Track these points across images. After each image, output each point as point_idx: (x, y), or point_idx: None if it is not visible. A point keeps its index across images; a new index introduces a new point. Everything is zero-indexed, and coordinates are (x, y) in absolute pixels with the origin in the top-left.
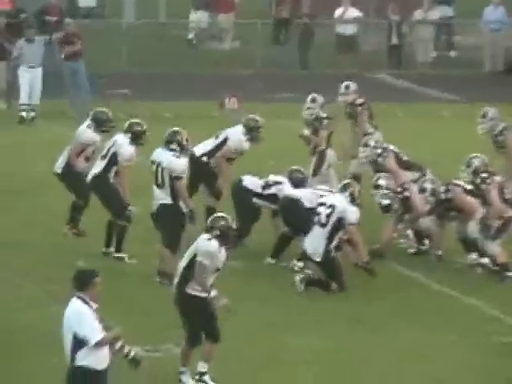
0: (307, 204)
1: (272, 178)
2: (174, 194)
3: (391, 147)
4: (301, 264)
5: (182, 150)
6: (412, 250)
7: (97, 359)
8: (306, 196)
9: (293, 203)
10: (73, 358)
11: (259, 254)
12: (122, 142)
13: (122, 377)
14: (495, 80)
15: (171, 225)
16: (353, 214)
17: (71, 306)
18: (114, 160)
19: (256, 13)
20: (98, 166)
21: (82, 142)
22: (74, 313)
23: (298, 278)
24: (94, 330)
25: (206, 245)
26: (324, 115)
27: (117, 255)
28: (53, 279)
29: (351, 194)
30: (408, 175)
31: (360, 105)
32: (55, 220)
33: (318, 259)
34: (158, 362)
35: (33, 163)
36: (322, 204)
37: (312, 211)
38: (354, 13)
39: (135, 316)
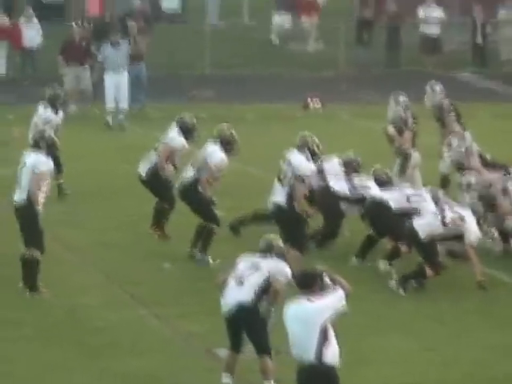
0: (395, 205)
1: (358, 181)
2: (291, 194)
3: (475, 146)
4: (385, 265)
5: (313, 155)
6: (498, 250)
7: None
8: (393, 197)
9: (380, 206)
10: (319, 355)
11: (345, 255)
12: (212, 149)
13: None
14: None
15: (288, 225)
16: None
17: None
18: (205, 167)
19: (339, 14)
20: (189, 174)
21: (173, 148)
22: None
23: (393, 282)
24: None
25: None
26: (409, 116)
27: (200, 257)
28: (137, 281)
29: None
30: (494, 175)
31: (447, 107)
32: (144, 222)
33: (422, 238)
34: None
35: (117, 165)
36: (450, 207)
37: (398, 213)
38: (437, 12)
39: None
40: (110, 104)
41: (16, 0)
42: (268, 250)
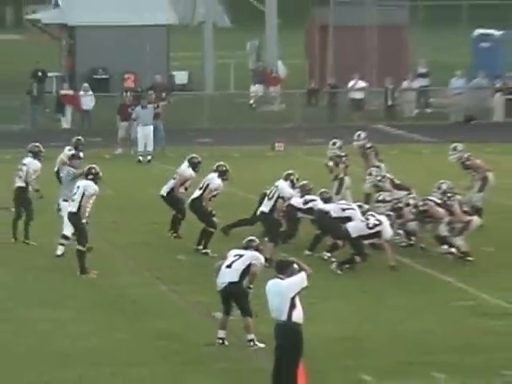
0: (334, 214)
1: (308, 197)
2: (274, 206)
3: (388, 174)
4: (328, 254)
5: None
6: (404, 244)
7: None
8: (333, 209)
9: (324, 215)
10: (289, 316)
11: (301, 248)
12: (212, 177)
13: None
14: (457, 128)
15: (269, 227)
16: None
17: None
18: (207, 189)
19: (295, 85)
20: (196, 193)
21: (185, 177)
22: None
23: (333, 266)
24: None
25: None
26: (342, 154)
27: (204, 251)
28: (160, 267)
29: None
30: (400, 193)
31: (369, 148)
32: (164, 227)
33: (353, 236)
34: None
35: (146, 189)
36: (372, 215)
37: (337, 220)
38: (361, 83)
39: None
40: (140, 148)
41: (76, 77)
42: (248, 246)
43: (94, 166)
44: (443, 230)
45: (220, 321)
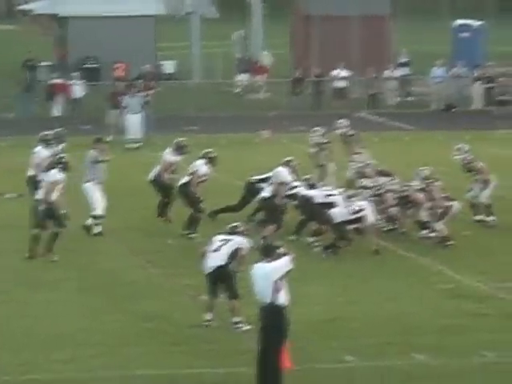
0: (317, 200)
1: (292, 183)
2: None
3: (370, 161)
4: (312, 239)
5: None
6: (386, 228)
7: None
8: (316, 195)
9: (308, 200)
10: (274, 298)
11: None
12: (199, 164)
13: None
14: (438, 115)
15: (270, 211)
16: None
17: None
18: (194, 175)
19: (280, 73)
20: (184, 179)
21: (169, 162)
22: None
23: (318, 249)
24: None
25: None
26: (324, 141)
27: (191, 236)
28: (150, 251)
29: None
30: (382, 179)
31: (350, 135)
32: (152, 212)
33: (337, 222)
34: None
35: (134, 176)
36: (354, 201)
37: (321, 204)
38: (344, 72)
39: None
40: (129, 136)
41: (67, 66)
42: (234, 231)
43: (63, 155)
44: (424, 215)
45: (207, 303)
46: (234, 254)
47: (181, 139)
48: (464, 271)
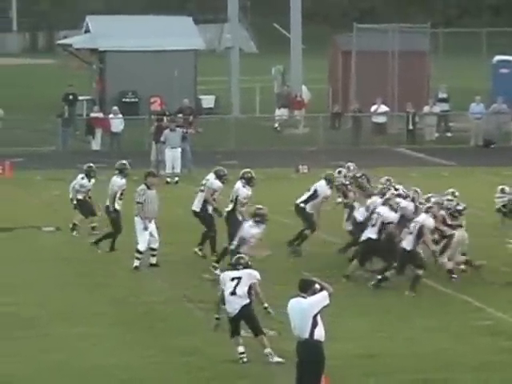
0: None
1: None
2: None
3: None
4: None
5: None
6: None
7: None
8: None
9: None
10: (311, 334)
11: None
12: (238, 187)
13: None
14: (477, 151)
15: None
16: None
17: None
18: (237, 201)
19: (319, 108)
20: (229, 206)
21: (213, 189)
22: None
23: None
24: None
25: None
26: (346, 182)
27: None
28: (185, 284)
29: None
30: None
31: (360, 176)
32: (188, 246)
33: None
34: None
35: (172, 210)
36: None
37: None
38: (383, 108)
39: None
40: (168, 170)
41: (106, 100)
42: (238, 264)
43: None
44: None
45: (235, 342)
46: (250, 290)
47: (220, 168)
48: (503, 308)
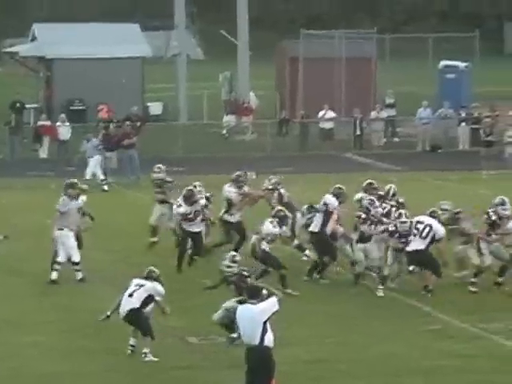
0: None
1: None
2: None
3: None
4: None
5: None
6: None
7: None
8: None
9: None
10: (261, 340)
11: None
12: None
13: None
14: (424, 156)
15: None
16: None
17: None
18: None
19: (266, 115)
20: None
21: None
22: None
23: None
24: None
25: None
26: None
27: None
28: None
29: None
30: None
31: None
32: (134, 252)
33: None
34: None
35: (117, 216)
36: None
37: None
38: (330, 113)
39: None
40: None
41: (53, 108)
42: (149, 277)
43: None
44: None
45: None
46: (148, 299)
47: (239, 173)
48: (451, 312)
